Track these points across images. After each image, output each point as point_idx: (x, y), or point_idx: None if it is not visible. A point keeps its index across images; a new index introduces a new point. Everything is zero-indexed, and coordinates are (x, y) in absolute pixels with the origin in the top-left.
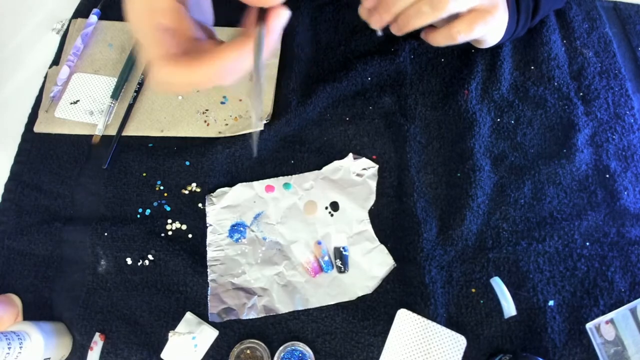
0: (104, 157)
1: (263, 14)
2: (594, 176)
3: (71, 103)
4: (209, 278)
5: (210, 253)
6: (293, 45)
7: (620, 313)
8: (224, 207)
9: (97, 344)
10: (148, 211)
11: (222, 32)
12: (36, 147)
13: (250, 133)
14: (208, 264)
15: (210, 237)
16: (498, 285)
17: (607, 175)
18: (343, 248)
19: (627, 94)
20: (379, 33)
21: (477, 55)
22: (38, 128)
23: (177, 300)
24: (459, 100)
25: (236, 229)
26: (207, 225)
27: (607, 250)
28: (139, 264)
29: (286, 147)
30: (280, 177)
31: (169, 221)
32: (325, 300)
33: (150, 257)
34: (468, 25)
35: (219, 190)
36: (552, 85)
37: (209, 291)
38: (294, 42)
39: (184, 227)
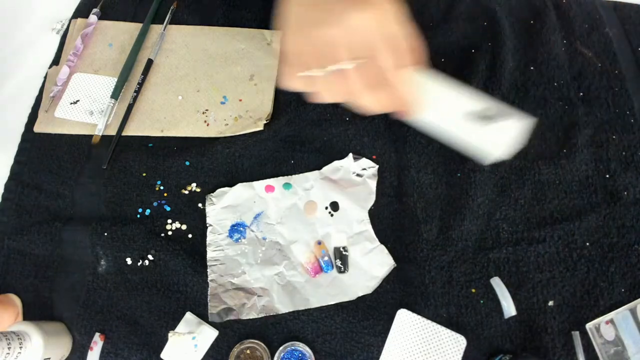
0: (104, 157)
1: None
2: (594, 176)
3: (71, 103)
4: (209, 278)
5: (210, 253)
6: None
7: (620, 313)
8: (224, 207)
9: (97, 344)
10: (148, 211)
11: (217, 32)
12: (36, 147)
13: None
14: (208, 264)
15: (210, 237)
16: (498, 285)
17: (607, 176)
18: (343, 248)
19: (627, 94)
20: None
21: (478, 55)
22: (38, 128)
23: (177, 300)
24: None
25: (236, 229)
26: (207, 225)
27: (607, 250)
28: (139, 264)
29: (286, 147)
30: (280, 177)
31: (169, 221)
32: (325, 300)
33: (150, 257)
34: None
35: (219, 190)
36: (552, 86)
37: (208, 291)
38: None
39: (183, 227)
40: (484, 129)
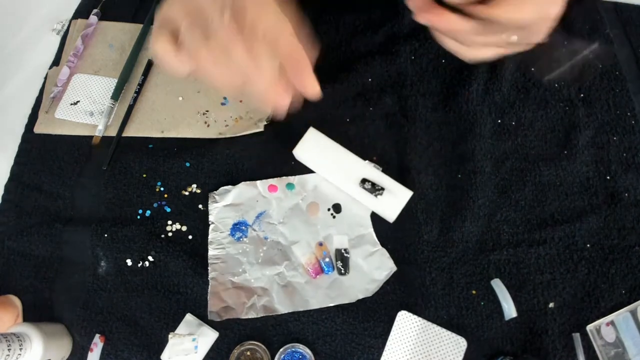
0: (104, 158)
1: None
2: (595, 178)
3: (71, 104)
4: (210, 276)
5: (212, 251)
6: None
7: (620, 315)
8: (226, 205)
9: (97, 345)
10: (148, 212)
11: None
12: (36, 148)
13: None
14: (209, 262)
15: (211, 235)
16: (499, 286)
17: (608, 177)
18: (344, 250)
19: (627, 95)
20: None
21: None
22: (38, 129)
23: (177, 301)
24: (460, 102)
25: (238, 228)
26: (209, 223)
27: (607, 252)
28: (139, 265)
29: (286, 149)
30: (284, 177)
31: (169, 222)
32: (325, 302)
33: (150, 258)
34: None
35: (222, 189)
36: (552, 87)
37: (209, 289)
38: None
39: (184, 228)
40: (371, 197)
